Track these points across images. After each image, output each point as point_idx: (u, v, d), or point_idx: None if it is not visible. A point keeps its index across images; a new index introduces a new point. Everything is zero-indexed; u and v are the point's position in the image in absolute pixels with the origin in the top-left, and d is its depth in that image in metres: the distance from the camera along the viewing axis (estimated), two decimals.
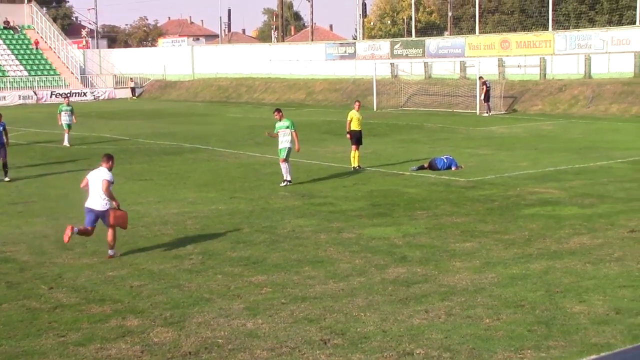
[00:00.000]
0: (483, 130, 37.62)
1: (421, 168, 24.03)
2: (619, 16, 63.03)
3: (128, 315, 10.65)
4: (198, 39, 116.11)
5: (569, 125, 38.69)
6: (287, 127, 21.77)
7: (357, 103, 25.42)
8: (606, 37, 48.24)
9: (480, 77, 48.15)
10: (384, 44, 62.16)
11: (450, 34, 65.93)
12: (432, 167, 23.77)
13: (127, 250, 14.52)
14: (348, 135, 24.65)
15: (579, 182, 21.05)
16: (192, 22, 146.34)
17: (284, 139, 21.66)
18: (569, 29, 57.36)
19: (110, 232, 13.92)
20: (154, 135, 38.00)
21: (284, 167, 21.65)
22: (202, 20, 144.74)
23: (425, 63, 57.57)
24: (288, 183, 21.51)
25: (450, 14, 69.43)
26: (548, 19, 53.02)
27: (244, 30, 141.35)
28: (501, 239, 14.54)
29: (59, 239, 14.83)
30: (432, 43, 58.04)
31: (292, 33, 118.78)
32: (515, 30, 60.90)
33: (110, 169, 13.98)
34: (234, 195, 20.52)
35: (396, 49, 60.06)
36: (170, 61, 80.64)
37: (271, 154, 29.10)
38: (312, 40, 79.54)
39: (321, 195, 19.95)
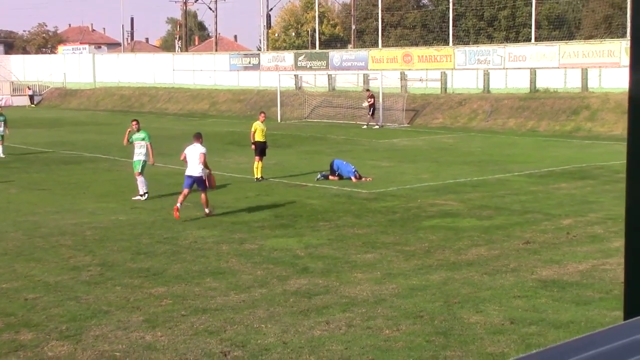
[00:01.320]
0: (386, 142, 38.11)
1: (325, 177, 24.20)
2: (516, 33, 64.91)
3: (22, 329, 10.33)
4: (100, 47, 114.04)
5: (469, 139, 39.57)
6: (143, 139, 21.30)
7: (261, 114, 25.45)
8: (503, 54, 49.60)
9: (367, 90, 48.89)
10: (288, 56, 62.38)
11: (354, 47, 66.62)
12: (335, 171, 24.12)
13: (22, 262, 14.09)
14: (252, 146, 24.62)
15: (478, 194, 21.42)
16: (93, 30, 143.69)
17: (139, 152, 21.19)
18: (468, 44, 58.72)
19: (202, 195, 18.28)
20: (53, 144, 37.14)
21: (139, 180, 20.97)
22: (104, 28, 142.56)
23: (329, 75, 58.02)
24: (142, 197, 20.92)
25: (353, 27, 70.18)
26: (449, 34, 54.19)
27: (147, 39, 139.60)
28: (402, 250, 14.68)
29: None
30: (336, 55, 58.56)
31: (196, 43, 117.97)
32: (417, 45, 61.94)
33: (201, 144, 18.45)
34: (135, 205, 20.25)
35: (300, 60, 60.36)
36: (71, 69, 78.98)
37: (173, 164, 28.84)
38: (216, 50, 79.20)
39: (224, 206, 19.83)
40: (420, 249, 14.81)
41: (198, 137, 18.77)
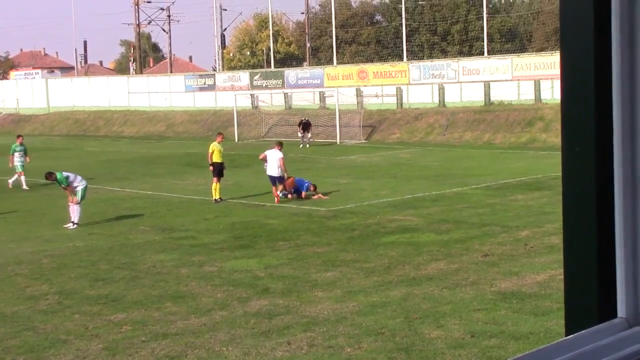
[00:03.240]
0: (343, 159, 38.22)
1: (285, 196, 24.31)
2: (469, 47, 65.67)
3: None
4: (53, 72, 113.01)
5: (426, 153, 39.82)
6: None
7: (219, 135, 25.66)
8: (457, 67, 50.12)
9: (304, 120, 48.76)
10: (244, 75, 62.38)
11: (309, 65, 66.91)
12: (294, 187, 24.42)
13: None
14: (210, 168, 24.65)
15: (436, 208, 21.56)
16: (46, 54, 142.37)
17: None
18: (423, 59, 59.27)
19: (280, 186, 23.41)
20: (7, 171, 36.63)
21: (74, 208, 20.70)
22: (57, 52, 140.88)
23: (285, 94, 58.08)
24: (73, 226, 20.64)
25: (308, 45, 70.50)
26: (403, 49, 54.68)
27: (101, 62, 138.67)
28: (362, 268, 14.69)
29: None
30: (292, 74, 58.70)
31: (151, 65, 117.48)
32: (372, 61, 62.44)
33: (280, 150, 23.71)
34: (92, 231, 20.09)
35: (256, 79, 60.39)
36: (24, 94, 78.16)
37: (131, 188, 28.68)
38: (171, 72, 78.98)
39: (182, 229, 19.78)
40: (380, 266, 14.82)
41: (279, 144, 24.33)
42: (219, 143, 24.83)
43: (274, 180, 23.73)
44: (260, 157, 24.55)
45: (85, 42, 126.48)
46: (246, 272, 14.77)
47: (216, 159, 24.55)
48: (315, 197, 24.25)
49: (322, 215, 21.29)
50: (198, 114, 62.21)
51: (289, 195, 24.30)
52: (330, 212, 21.82)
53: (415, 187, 26.38)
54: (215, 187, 24.43)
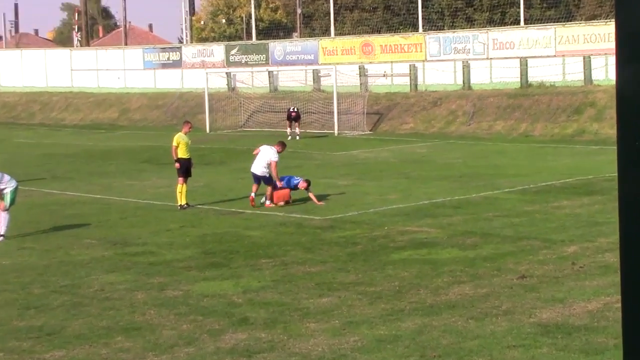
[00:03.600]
0: (343, 155, 38.13)
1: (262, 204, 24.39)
2: (502, 14, 65.47)
3: None
4: None
5: (447, 147, 39.70)
6: None
7: (186, 124, 25.60)
8: (487, 40, 50.00)
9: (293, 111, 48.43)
10: (218, 49, 62.29)
11: (300, 37, 66.78)
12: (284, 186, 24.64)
13: None
14: (176, 165, 24.65)
15: (459, 217, 21.47)
16: None
17: None
18: (443, 29, 58.95)
19: (268, 188, 24.02)
20: None
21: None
22: None
23: (269, 72, 57.90)
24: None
25: (299, 11, 70.35)
26: (418, 17, 54.43)
27: (36, 31, 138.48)
28: (366, 292, 14.55)
29: None
30: (278, 47, 58.61)
31: (100, 35, 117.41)
32: (379, 32, 62.30)
33: (279, 152, 24.48)
34: (23, 245, 19.93)
35: (233, 55, 60.31)
36: None
37: (73, 191, 28.53)
38: (126, 44, 78.78)
39: (138, 243, 19.63)
40: (389, 290, 14.66)
41: (281, 145, 25.02)
42: (185, 134, 24.77)
43: (258, 180, 24.23)
44: (254, 152, 25.09)
45: (16, 6, 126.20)
46: (219, 297, 14.57)
47: (182, 154, 24.49)
48: (311, 196, 24.42)
49: (316, 226, 21.17)
50: (159, 97, 62.14)
51: (267, 203, 24.31)
52: (326, 221, 21.70)
53: (433, 190, 26.31)
54: (180, 189, 24.33)
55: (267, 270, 16.49)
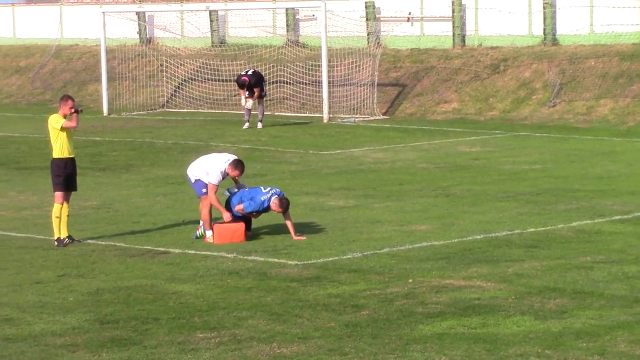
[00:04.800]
0: (337, 156, 31.14)
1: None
2: None
3: None
4: None
5: (515, 144, 32.47)
6: None
7: (66, 101, 19.40)
8: None
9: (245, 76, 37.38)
10: None
11: None
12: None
13: None
14: (54, 171, 19.29)
15: (536, 263, 16.71)
16: None
17: None
18: None
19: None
20: None
21: None
22: None
23: (211, 13, 44.54)
24: None
25: None
26: None
27: None
28: None
29: None
30: None
31: None
32: None
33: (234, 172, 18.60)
34: None
35: None
36: None
37: None
38: None
39: None
40: None
41: (237, 166, 18.85)
42: (64, 117, 19.00)
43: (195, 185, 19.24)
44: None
45: None
46: None
47: (61, 151, 18.93)
48: (288, 225, 18.73)
49: (291, 277, 16.41)
50: (22, 54, 52.49)
51: (206, 235, 19.02)
52: (307, 269, 16.83)
53: (491, 216, 20.86)
54: (60, 211, 18.82)
55: (206, 353, 12.44)
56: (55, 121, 18.78)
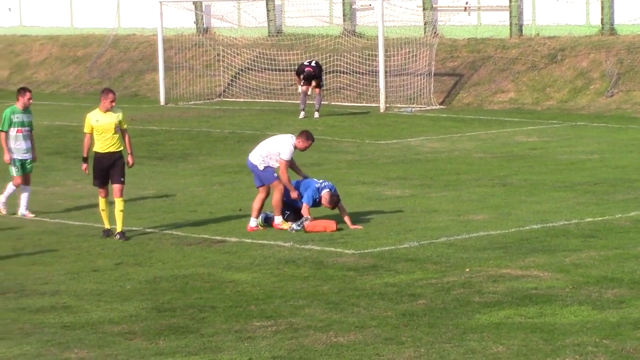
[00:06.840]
0: (394, 145, 31.05)
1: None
2: None
3: None
4: None
5: (572, 133, 32.60)
6: None
7: (108, 95, 18.57)
8: None
9: (309, 65, 37.72)
10: None
11: None
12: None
13: None
14: (83, 166, 18.90)
15: (594, 253, 16.76)
16: None
17: None
18: None
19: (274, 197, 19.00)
20: None
21: None
22: None
23: (269, 3, 46.15)
24: None
25: None
26: None
27: None
28: None
29: None
30: None
31: None
32: None
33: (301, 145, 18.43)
34: None
35: None
36: None
37: None
38: None
39: (44, 292, 15.20)
40: None
41: (305, 137, 18.76)
42: (105, 112, 18.23)
43: (257, 177, 18.85)
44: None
45: None
46: None
47: (95, 146, 18.44)
48: (345, 218, 18.89)
49: (348, 266, 16.47)
50: (79, 44, 52.04)
51: (276, 223, 18.94)
52: (363, 257, 16.93)
53: (549, 206, 20.97)
54: (103, 204, 18.58)
55: (263, 341, 12.28)
56: (91, 119, 18.16)
